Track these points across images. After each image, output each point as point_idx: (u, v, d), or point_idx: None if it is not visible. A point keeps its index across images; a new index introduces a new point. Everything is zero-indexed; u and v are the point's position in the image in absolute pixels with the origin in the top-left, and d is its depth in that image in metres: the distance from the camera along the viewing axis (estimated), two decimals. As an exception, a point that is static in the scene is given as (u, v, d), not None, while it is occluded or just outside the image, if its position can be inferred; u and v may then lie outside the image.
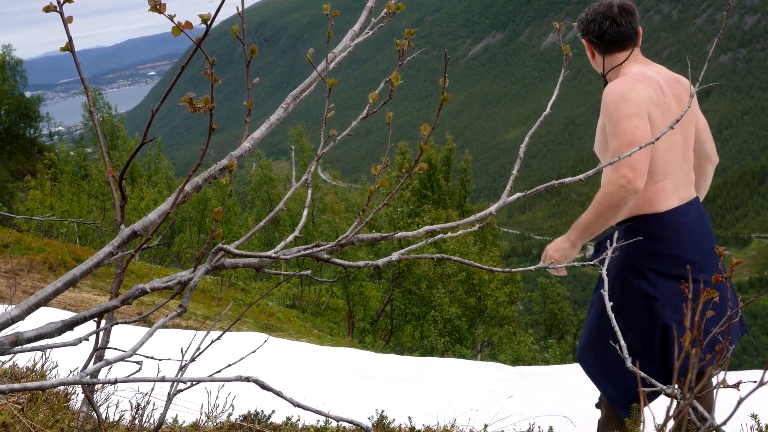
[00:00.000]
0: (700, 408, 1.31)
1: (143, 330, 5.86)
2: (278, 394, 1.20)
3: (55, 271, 12.54)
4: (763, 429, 2.36)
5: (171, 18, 1.03)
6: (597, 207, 2.35)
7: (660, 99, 2.39)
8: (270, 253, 1.28)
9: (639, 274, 2.43)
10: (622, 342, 1.37)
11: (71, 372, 2.23)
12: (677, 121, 1.63)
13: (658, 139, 1.58)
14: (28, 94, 45.95)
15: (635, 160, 2.26)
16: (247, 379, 1.18)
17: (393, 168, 26.41)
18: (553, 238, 2.70)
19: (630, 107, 2.32)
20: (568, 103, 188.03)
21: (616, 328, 1.38)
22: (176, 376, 1.59)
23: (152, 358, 1.44)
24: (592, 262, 1.55)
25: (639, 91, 2.35)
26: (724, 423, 1.08)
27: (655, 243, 2.42)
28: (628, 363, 1.31)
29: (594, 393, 4.46)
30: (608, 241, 2.53)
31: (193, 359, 1.69)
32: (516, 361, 16.15)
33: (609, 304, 1.46)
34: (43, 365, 2.53)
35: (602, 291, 1.51)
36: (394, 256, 1.35)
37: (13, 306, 1.13)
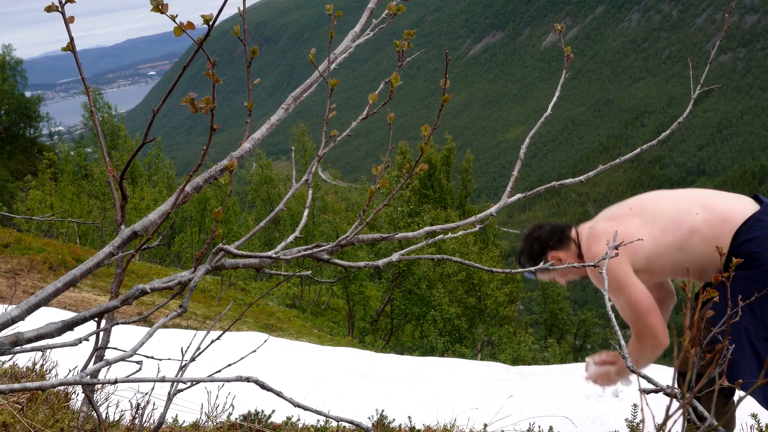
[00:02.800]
0: (700, 408, 1.31)
1: (143, 330, 5.86)
2: (278, 394, 1.20)
3: (55, 271, 12.55)
4: (763, 429, 2.36)
5: (173, 18, 1.03)
6: (637, 360, 2.59)
7: None
8: (270, 253, 1.28)
9: None
10: (622, 342, 1.37)
11: (71, 372, 2.23)
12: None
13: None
14: (28, 94, 45.90)
15: (651, 325, 2.54)
16: (247, 380, 1.19)
17: (393, 168, 26.41)
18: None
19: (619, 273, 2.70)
20: (568, 103, 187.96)
21: (616, 327, 1.38)
22: (176, 376, 1.59)
23: (152, 358, 1.44)
24: (593, 263, 1.55)
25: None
26: (724, 422, 1.08)
27: None
28: (629, 362, 1.31)
29: (594, 392, 4.46)
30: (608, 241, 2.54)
31: (193, 359, 1.69)
32: (516, 361, 16.16)
33: (609, 304, 1.46)
34: (43, 365, 2.53)
35: (603, 290, 1.51)
36: (395, 256, 1.36)
37: (14, 306, 1.13)
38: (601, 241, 2.59)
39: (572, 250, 2.76)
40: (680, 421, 2.10)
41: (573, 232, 2.79)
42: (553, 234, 2.79)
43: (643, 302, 2.51)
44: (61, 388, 2.16)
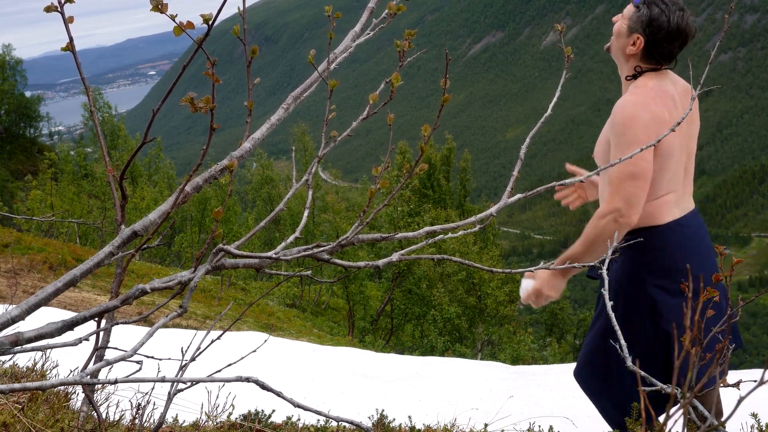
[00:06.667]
0: (701, 407, 1.31)
1: (143, 330, 5.87)
2: (278, 394, 1.20)
3: (56, 270, 12.55)
4: (764, 428, 2.36)
5: (173, 18, 1.03)
6: (587, 241, 2.27)
7: (672, 117, 2.26)
8: (270, 253, 1.28)
9: (643, 291, 2.31)
10: (623, 342, 1.37)
11: (71, 372, 2.23)
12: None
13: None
14: (28, 94, 46.01)
15: (632, 193, 2.18)
16: (247, 380, 1.18)
17: (393, 168, 26.43)
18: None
19: (640, 133, 2.19)
20: (568, 103, 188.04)
21: (618, 331, 1.38)
22: (176, 376, 1.60)
23: (152, 357, 1.44)
24: (592, 263, 1.55)
25: (653, 112, 2.21)
26: (724, 422, 1.08)
27: (659, 257, 2.31)
28: (628, 362, 1.31)
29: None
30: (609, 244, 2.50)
31: (193, 359, 1.69)
32: (516, 361, 16.17)
33: (609, 304, 1.46)
34: (43, 365, 2.53)
35: (602, 290, 1.51)
36: (395, 256, 1.36)
37: (14, 306, 1.13)
38: (633, 99, 2.22)
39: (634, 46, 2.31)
40: (680, 421, 2.09)
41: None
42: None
43: (644, 169, 2.19)
44: (62, 388, 2.16)
